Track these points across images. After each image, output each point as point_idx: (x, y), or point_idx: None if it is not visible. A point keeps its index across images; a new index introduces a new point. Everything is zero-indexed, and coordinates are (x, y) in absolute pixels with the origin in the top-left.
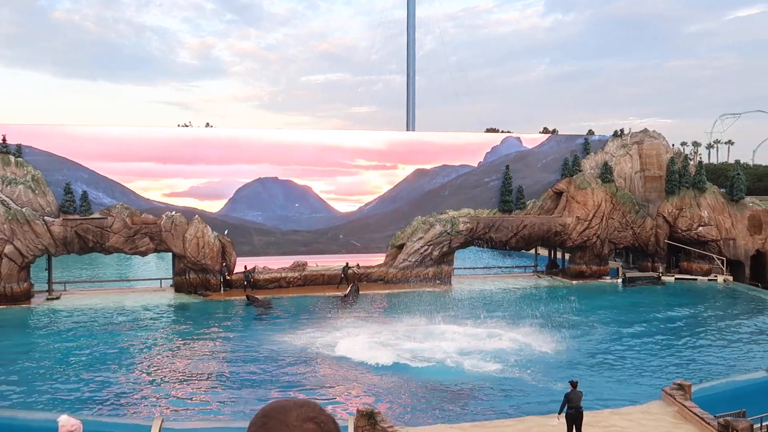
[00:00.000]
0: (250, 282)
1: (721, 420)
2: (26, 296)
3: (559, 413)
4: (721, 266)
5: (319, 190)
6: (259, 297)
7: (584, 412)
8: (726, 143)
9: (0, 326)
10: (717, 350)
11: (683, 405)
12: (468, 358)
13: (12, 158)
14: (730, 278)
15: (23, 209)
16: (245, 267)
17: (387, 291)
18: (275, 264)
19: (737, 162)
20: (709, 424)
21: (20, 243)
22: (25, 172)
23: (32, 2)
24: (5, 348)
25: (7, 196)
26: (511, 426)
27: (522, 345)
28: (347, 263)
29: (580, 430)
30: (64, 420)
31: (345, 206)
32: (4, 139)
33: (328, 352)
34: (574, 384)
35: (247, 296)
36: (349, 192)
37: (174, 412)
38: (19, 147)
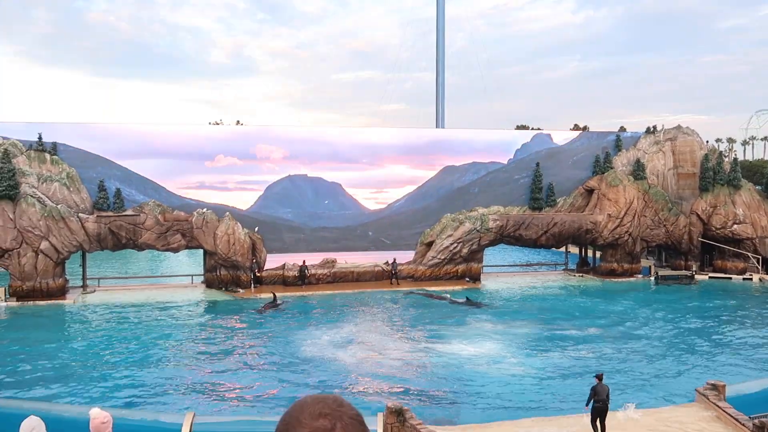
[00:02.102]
0: (305, 277)
1: (756, 421)
2: (61, 292)
3: (587, 405)
4: (757, 265)
5: (348, 187)
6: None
7: (618, 412)
8: (762, 140)
9: (36, 321)
10: (752, 350)
11: (717, 405)
12: (498, 358)
13: (48, 156)
14: (767, 277)
15: (58, 206)
16: (303, 262)
17: (417, 288)
18: (304, 261)
19: None
20: (744, 425)
21: (55, 239)
22: (60, 169)
23: (69, 3)
24: (41, 342)
25: (42, 194)
26: (539, 424)
27: (552, 343)
28: (395, 258)
29: (604, 423)
30: (96, 413)
31: (374, 203)
32: (40, 138)
33: (358, 348)
34: (599, 377)
35: (273, 295)
36: (378, 189)
37: (205, 406)
38: (54, 145)
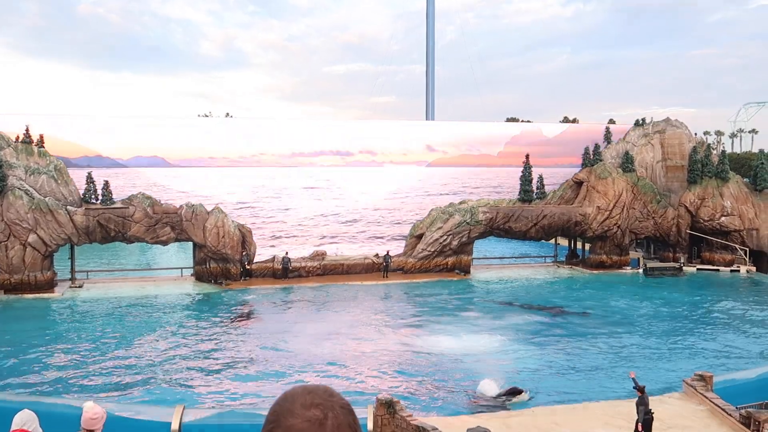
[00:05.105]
0: (288, 269)
1: (743, 411)
2: (50, 285)
3: (643, 425)
4: (744, 257)
5: (338, 179)
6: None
7: (603, 402)
8: (750, 132)
9: (24, 314)
10: (739, 341)
11: (704, 396)
12: (489, 350)
13: (35, 148)
14: (753, 269)
15: (46, 199)
16: (286, 253)
17: (407, 281)
18: (295, 253)
19: (761, 151)
20: (730, 415)
21: (43, 232)
22: (48, 161)
23: None
24: (29, 336)
25: (30, 186)
26: (530, 416)
27: (542, 335)
28: (387, 252)
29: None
30: (89, 407)
31: (365, 195)
32: (27, 130)
33: (347, 340)
34: (642, 389)
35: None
36: (368, 181)
37: (194, 399)
38: (42, 137)
